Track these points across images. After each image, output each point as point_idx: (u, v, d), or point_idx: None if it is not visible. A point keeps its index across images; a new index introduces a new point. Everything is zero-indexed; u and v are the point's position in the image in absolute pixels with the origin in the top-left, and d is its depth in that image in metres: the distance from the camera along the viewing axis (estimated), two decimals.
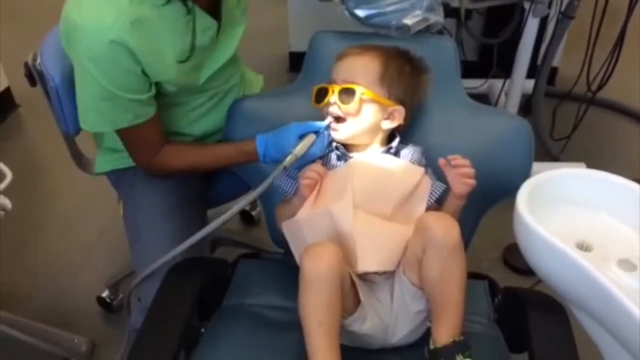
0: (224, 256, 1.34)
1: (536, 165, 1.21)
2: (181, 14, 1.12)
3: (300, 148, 1.14)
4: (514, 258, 1.95)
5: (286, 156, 1.14)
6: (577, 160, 2.26)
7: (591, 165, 2.15)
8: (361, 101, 1.16)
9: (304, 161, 1.16)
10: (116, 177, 1.41)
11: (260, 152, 1.20)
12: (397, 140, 1.22)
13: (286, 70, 3.01)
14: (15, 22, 3.20)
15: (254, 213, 2.09)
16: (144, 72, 1.12)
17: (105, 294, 1.79)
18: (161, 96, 1.21)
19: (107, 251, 1.99)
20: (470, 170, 1.10)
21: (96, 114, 1.16)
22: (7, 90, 2.72)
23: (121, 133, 1.22)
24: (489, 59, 2.46)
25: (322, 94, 1.19)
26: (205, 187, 1.46)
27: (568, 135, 2.27)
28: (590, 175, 1.07)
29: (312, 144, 1.16)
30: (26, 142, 2.65)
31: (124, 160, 1.34)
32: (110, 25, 1.03)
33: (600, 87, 2.11)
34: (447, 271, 1.00)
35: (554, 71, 2.84)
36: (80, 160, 1.53)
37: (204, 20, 1.18)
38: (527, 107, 2.37)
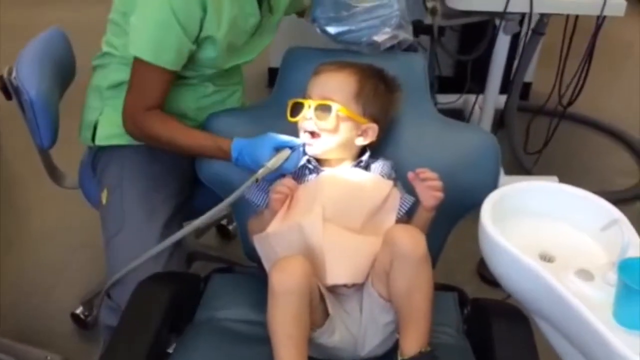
0: (200, 271, 1.34)
1: (508, 179, 1.24)
2: None
3: (273, 162, 1.15)
4: (488, 271, 1.96)
5: (259, 168, 1.15)
6: (550, 173, 2.30)
7: (564, 178, 2.21)
8: (337, 118, 1.18)
9: (276, 175, 1.17)
10: (105, 160, 1.40)
11: (233, 155, 1.22)
12: (367, 154, 1.25)
13: (265, 85, 3.04)
14: None
15: (230, 227, 2.09)
16: (201, 22, 1.22)
17: (79, 311, 1.78)
18: (185, 68, 1.29)
19: (81, 267, 1.98)
20: (439, 183, 1.12)
21: (148, 39, 1.21)
22: None
23: (140, 69, 1.24)
24: (465, 75, 2.51)
25: (297, 108, 1.21)
26: (190, 196, 1.47)
27: (540, 150, 2.31)
28: (551, 187, 1.09)
29: (286, 160, 1.17)
30: (2, 157, 2.63)
31: (125, 137, 1.33)
32: None
33: (570, 102, 2.16)
34: (414, 283, 1.02)
35: (527, 86, 2.90)
36: (55, 174, 1.54)
37: (251, 5, 1.31)
38: (501, 121, 2.42)
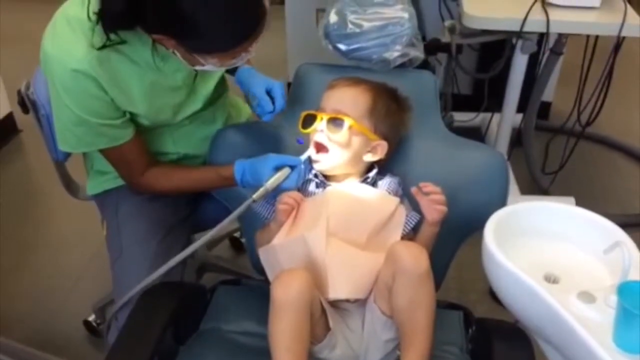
0: (211, 282, 1.36)
1: (524, 198, 1.22)
2: (147, 53, 1.16)
3: (272, 182, 1.15)
4: None
5: (257, 189, 1.15)
6: (568, 194, 2.27)
7: (582, 198, 2.18)
8: (349, 132, 1.19)
9: (277, 193, 1.18)
10: (101, 198, 1.44)
11: (237, 178, 1.23)
12: (374, 171, 1.25)
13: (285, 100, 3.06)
14: (18, 48, 3.27)
15: (243, 240, 2.11)
16: (113, 102, 1.16)
17: (92, 318, 1.81)
18: (140, 125, 1.26)
19: (96, 276, 2.01)
20: (441, 197, 1.12)
21: (72, 136, 1.21)
22: (10, 115, 2.79)
23: (104, 153, 1.26)
24: (482, 93, 2.49)
25: (310, 120, 1.22)
26: (190, 212, 1.48)
27: (556, 170, 2.29)
28: (556, 208, 1.08)
29: (286, 178, 1.17)
30: (26, 166, 2.70)
31: (113, 182, 1.38)
32: (77, 58, 1.09)
33: (588, 122, 2.13)
34: (415, 299, 1.02)
35: (547, 106, 2.88)
36: (70, 186, 1.57)
37: (172, 63, 1.20)
38: (518, 140, 2.40)
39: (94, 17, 1.05)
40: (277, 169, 1.17)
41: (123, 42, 1.10)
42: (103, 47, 1.08)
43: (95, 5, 1.05)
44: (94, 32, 1.08)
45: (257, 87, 1.30)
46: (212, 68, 1.13)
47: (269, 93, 1.30)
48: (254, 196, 1.14)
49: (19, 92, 1.37)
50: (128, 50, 1.14)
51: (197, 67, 1.12)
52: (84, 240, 2.15)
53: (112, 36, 1.08)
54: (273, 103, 1.29)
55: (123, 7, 1.01)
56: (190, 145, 1.38)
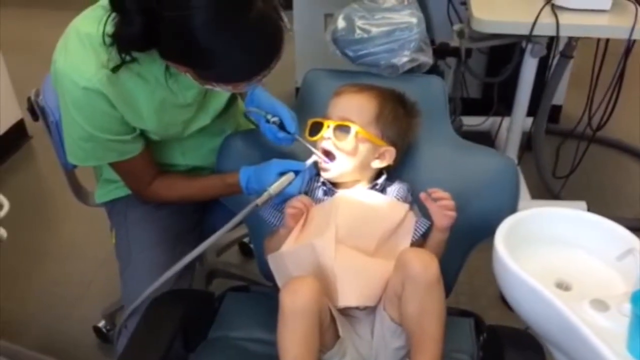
0: (220, 289, 1.36)
1: (535, 203, 1.20)
2: (158, 70, 1.14)
3: (275, 187, 1.14)
4: None
5: (261, 193, 1.14)
6: (579, 198, 2.25)
7: (593, 203, 2.16)
8: (355, 139, 1.18)
9: (281, 199, 1.17)
10: (110, 206, 1.45)
11: (242, 185, 1.23)
12: (383, 177, 1.25)
13: (293, 105, 3.06)
14: (28, 55, 3.29)
15: (252, 246, 2.10)
16: (123, 117, 1.16)
17: (101, 324, 1.81)
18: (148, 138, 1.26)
19: (105, 282, 2.01)
20: (451, 203, 1.12)
21: (81, 151, 1.21)
22: (21, 122, 2.81)
23: (112, 165, 1.26)
24: (492, 97, 2.48)
25: (316, 128, 1.22)
26: (200, 220, 1.48)
27: (567, 174, 2.27)
28: (568, 214, 1.07)
29: (290, 184, 1.16)
30: (36, 173, 2.71)
31: (121, 190, 1.39)
32: (88, 76, 1.08)
33: (599, 125, 2.11)
34: (425, 306, 1.01)
35: (557, 109, 2.86)
36: (80, 193, 1.58)
37: (183, 81, 1.18)
38: (529, 144, 2.38)
39: (108, 40, 1.03)
40: (282, 174, 1.17)
41: (134, 60, 1.09)
42: (117, 68, 1.07)
43: (109, 27, 1.03)
44: (106, 51, 1.07)
45: (282, 108, 1.28)
46: (223, 91, 1.12)
47: None
48: (257, 200, 1.13)
49: (28, 99, 1.37)
50: (138, 68, 1.12)
51: (208, 87, 1.10)
52: (94, 246, 2.16)
53: (125, 56, 1.07)
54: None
55: (138, 34, 1.00)
56: (199, 157, 1.38)
